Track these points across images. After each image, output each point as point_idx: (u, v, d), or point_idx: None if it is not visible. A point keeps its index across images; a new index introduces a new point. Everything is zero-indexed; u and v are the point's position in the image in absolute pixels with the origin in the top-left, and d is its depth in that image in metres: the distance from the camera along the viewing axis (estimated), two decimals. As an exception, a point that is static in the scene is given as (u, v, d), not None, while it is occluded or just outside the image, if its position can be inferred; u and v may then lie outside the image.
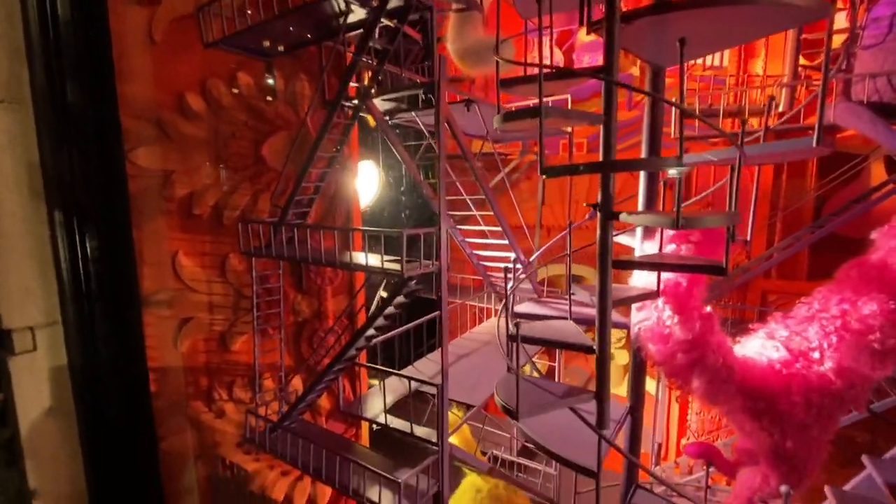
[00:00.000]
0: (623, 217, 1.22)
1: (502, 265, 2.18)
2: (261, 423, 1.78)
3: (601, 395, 1.34)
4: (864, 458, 2.24)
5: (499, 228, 2.09)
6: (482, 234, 2.49)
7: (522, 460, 3.02)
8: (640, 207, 1.53)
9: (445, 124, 1.48)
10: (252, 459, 2.00)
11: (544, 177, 1.10)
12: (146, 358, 2.09)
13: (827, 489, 2.22)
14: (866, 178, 2.87)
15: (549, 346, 1.49)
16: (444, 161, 1.40)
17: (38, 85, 1.95)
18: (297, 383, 1.97)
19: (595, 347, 1.34)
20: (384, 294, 1.48)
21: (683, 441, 3.25)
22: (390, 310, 1.45)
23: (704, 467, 2.17)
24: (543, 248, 2.00)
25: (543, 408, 1.28)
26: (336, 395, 2.01)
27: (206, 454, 2.15)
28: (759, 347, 1.80)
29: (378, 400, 1.86)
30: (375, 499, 1.41)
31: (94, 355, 2.14)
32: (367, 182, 2.57)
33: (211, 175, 1.96)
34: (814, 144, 1.38)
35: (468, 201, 2.26)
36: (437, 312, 2.43)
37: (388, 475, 1.39)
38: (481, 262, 2.43)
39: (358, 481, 1.49)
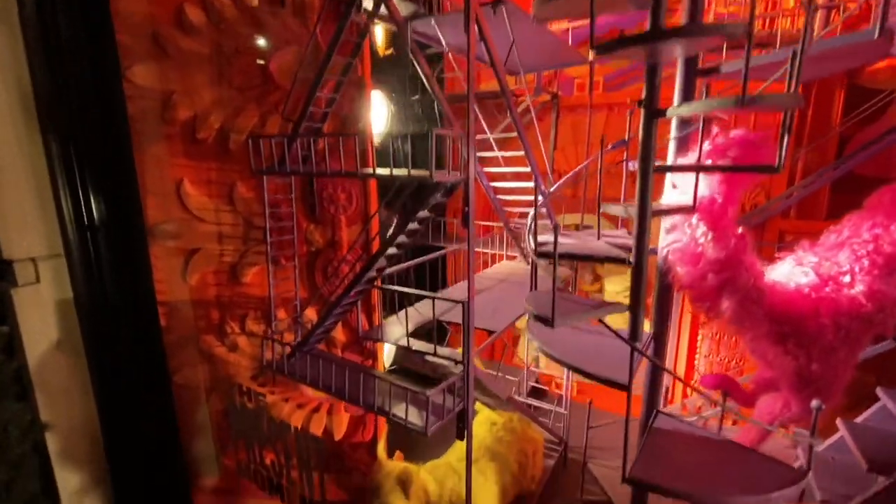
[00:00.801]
0: (670, 111, 1.13)
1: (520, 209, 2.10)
2: (278, 351, 1.74)
3: (635, 306, 1.30)
4: (879, 391, 2.24)
5: (520, 169, 2.01)
6: (502, 178, 2.42)
7: (532, 401, 3.04)
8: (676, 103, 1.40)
9: (475, 26, 1.36)
10: (267, 392, 1.97)
11: (594, 53, 1.00)
12: (154, 291, 2.02)
13: (839, 422, 2.23)
14: (892, 116, 2.78)
15: (582, 259, 1.43)
16: (473, 61, 1.29)
17: (26, 2, 1.81)
18: (311, 315, 1.92)
19: (630, 258, 1.29)
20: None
21: (688, 400, 3.27)
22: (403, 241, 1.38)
23: (714, 405, 2.17)
24: (568, 175, 1.91)
25: (577, 316, 1.23)
26: (352, 328, 1.97)
27: (220, 388, 2.12)
28: (787, 273, 1.76)
29: (397, 328, 1.82)
30: (402, 414, 1.38)
31: (100, 289, 2.07)
32: (377, 112, 2.45)
33: (214, 95, 1.84)
34: (875, 36, 1.28)
35: (491, 141, 2.17)
36: (443, 251, 2.38)
37: (414, 389, 1.35)
38: (498, 197, 2.36)
39: (382, 399, 1.46)
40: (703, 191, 1.52)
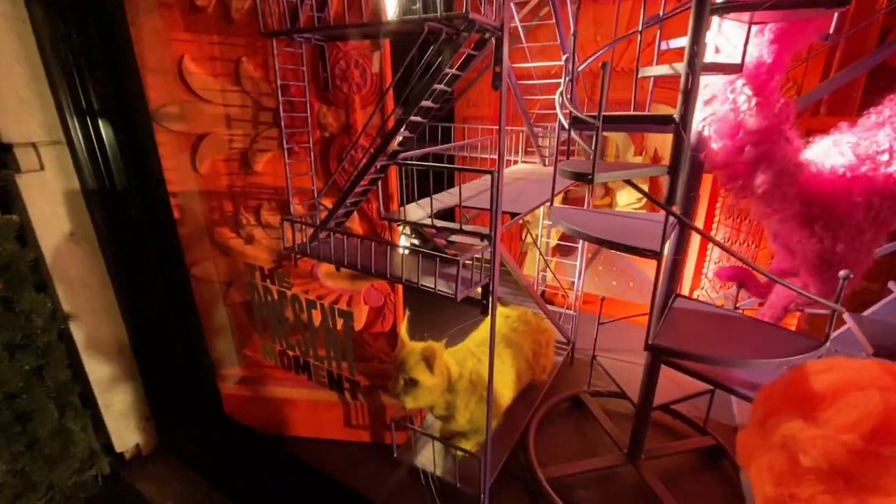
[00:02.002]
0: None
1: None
2: (298, 236, 1.71)
3: (675, 169, 1.25)
4: (892, 284, 2.26)
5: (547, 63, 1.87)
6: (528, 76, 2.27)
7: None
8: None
9: None
10: (290, 286, 1.97)
11: None
12: (165, 180, 1.96)
13: (846, 315, 2.27)
14: (940, 4, 2.58)
15: (630, 123, 1.36)
16: None
17: None
18: (328, 205, 1.87)
19: (674, 115, 1.22)
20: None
21: (697, 292, 3.34)
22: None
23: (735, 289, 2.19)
24: (600, 51, 1.78)
25: (617, 173, 1.18)
26: (370, 220, 1.93)
27: (239, 281, 2.13)
28: (823, 153, 1.69)
29: (418, 211, 1.78)
30: (430, 285, 1.38)
31: (108, 178, 2.00)
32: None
33: (212, -46, 1.66)
34: None
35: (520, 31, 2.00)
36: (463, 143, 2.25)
37: (445, 255, 1.34)
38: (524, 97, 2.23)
39: (409, 271, 1.46)
40: (752, 52, 1.42)
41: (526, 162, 2.95)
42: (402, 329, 1.83)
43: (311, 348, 1.85)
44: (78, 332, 2.13)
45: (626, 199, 3.84)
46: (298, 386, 2.31)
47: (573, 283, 2.96)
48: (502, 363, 2.05)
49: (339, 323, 1.79)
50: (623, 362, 2.69)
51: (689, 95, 1.16)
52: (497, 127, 1.17)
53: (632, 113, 1.30)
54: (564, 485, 2.07)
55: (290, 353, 1.90)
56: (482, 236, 1.46)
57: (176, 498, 2.30)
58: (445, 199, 1.92)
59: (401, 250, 1.51)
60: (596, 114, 1.11)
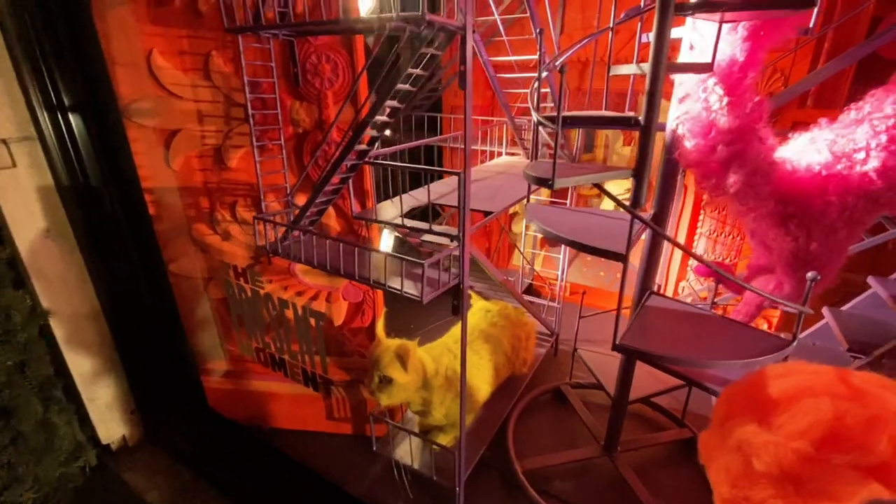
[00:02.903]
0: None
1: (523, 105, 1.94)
2: (271, 232, 1.71)
3: (640, 172, 1.23)
4: (871, 279, 2.26)
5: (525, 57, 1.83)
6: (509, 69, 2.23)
7: (527, 297, 3.09)
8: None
9: None
10: (266, 281, 1.97)
11: None
12: (138, 177, 1.94)
13: (824, 310, 2.27)
14: (933, -9, 2.52)
15: (591, 124, 1.34)
16: None
17: None
18: (302, 202, 1.86)
19: (639, 117, 1.20)
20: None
21: (682, 283, 3.34)
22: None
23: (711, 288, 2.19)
24: (582, 41, 1.74)
25: (578, 177, 1.17)
26: (346, 218, 1.92)
27: (218, 276, 2.13)
28: (799, 150, 1.67)
29: (391, 209, 1.77)
30: (397, 286, 1.37)
31: (82, 175, 1.99)
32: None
33: (176, -55, 1.61)
34: None
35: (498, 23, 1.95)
36: (436, 139, 2.23)
37: (411, 258, 1.34)
38: (504, 91, 2.20)
39: (378, 273, 1.45)
40: (724, 50, 1.39)
41: (511, 154, 2.92)
42: (379, 326, 1.84)
43: (286, 346, 1.86)
44: (59, 328, 2.14)
45: (615, 190, 3.82)
46: (280, 380, 2.33)
47: (558, 275, 2.96)
48: (480, 358, 2.06)
49: (312, 322, 1.80)
50: (605, 355, 2.71)
51: (654, 96, 1.14)
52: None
53: (593, 113, 1.28)
54: (541, 476, 2.10)
55: (266, 350, 1.92)
56: (451, 237, 1.45)
57: (162, 488, 2.34)
58: (420, 195, 1.91)
59: (371, 251, 1.50)
60: (555, 115, 1.09)
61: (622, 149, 3.70)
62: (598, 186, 1.24)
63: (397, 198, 1.84)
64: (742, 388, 1.22)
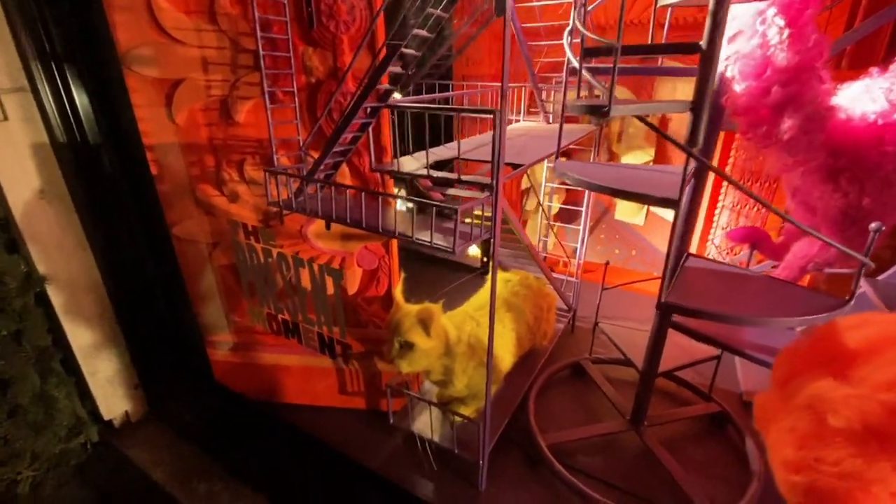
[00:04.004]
0: None
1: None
2: (283, 191, 1.59)
3: (699, 104, 1.12)
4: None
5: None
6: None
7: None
8: None
9: None
10: (277, 246, 1.85)
11: None
12: (139, 131, 1.81)
13: (862, 281, 2.16)
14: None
15: (652, 52, 1.22)
16: None
17: None
18: (316, 156, 1.74)
19: (701, 43, 1.08)
20: None
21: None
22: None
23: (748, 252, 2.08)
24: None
25: (635, 106, 1.05)
26: (363, 176, 1.80)
27: (224, 242, 2.01)
28: (853, 98, 1.55)
29: (413, 163, 1.65)
30: (426, 238, 1.26)
31: (78, 129, 1.86)
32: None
33: None
34: None
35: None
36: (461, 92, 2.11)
37: (442, 204, 1.22)
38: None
39: (404, 225, 1.34)
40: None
41: (529, 121, 2.79)
42: (397, 291, 1.73)
43: (301, 310, 1.74)
44: (56, 296, 2.03)
45: (635, 161, 3.70)
46: (290, 352, 2.22)
47: (575, 249, 2.85)
48: (503, 327, 1.96)
49: (329, 282, 1.68)
50: (626, 328, 2.62)
51: (718, 16, 1.02)
52: (498, 84, 1.03)
53: (650, 44, 1.16)
54: (565, 451, 2.01)
55: (280, 316, 1.80)
56: (483, 186, 1.34)
57: (166, 465, 2.25)
58: (443, 152, 1.79)
59: (397, 203, 1.39)
60: (613, 41, 0.97)
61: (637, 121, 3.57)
62: (644, 120, 1.13)
63: (419, 153, 1.73)
64: (807, 345, 1.11)
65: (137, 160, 1.87)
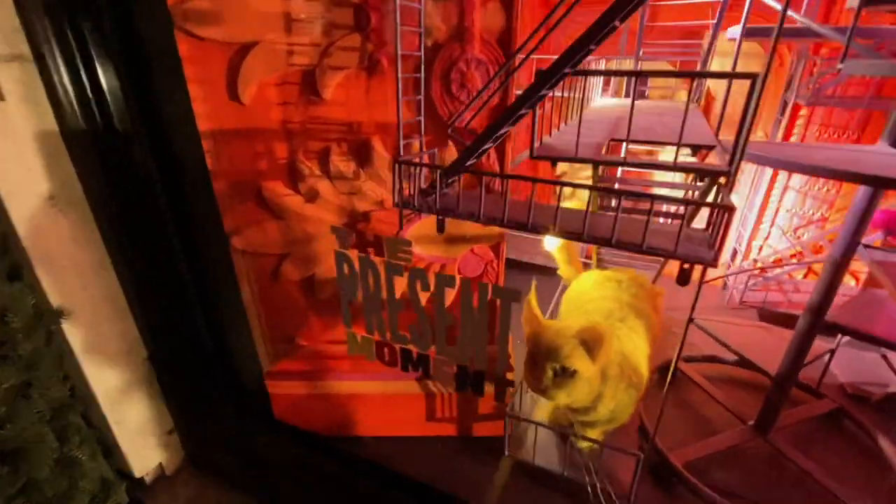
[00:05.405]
0: None
1: None
2: (406, 184, 1.23)
3: None
4: None
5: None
6: None
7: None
8: None
9: None
10: (407, 260, 1.39)
11: None
12: (192, 115, 1.37)
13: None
14: None
15: None
16: None
17: None
18: (429, 142, 1.39)
19: None
20: None
21: (757, 243, 3.13)
22: None
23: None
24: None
25: None
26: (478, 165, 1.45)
27: (297, 253, 1.62)
28: None
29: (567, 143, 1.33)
30: (666, 246, 0.97)
31: (101, 114, 1.39)
32: None
33: None
34: None
35: None
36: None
37: (672, 197, 0.94)
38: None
39: (596, 224, 1.05)
40: None
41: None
42: (533, 303, 1.41)
43: (439, 340, 1.37)
44: (73, 333, 1.56)
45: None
46: (367, 378, 1.87)
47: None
48: (638, 337, 1.70)
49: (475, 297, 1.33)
50: (720, 322, 2.45)
51: None
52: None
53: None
54: (697, 469, 1.81)
55: (399, 345, 1.44)
56: (709, 172, 1.06)
57: (220, 525, 1.85)
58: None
59: (561, 199, 1.07)
60: None
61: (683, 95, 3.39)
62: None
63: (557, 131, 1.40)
64: None
65: (185, 153, 1.43)
